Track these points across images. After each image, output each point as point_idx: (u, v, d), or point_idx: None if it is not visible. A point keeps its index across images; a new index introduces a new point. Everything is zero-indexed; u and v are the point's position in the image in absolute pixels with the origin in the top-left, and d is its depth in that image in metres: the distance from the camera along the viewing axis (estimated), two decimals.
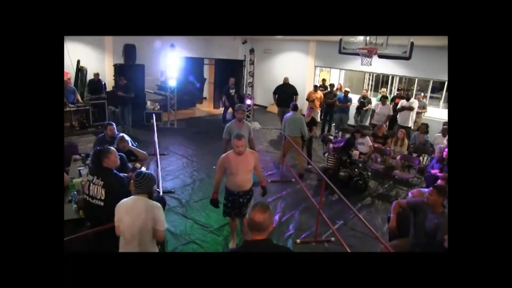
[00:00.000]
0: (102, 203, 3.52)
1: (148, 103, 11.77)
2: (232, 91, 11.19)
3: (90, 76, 9.97)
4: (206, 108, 13.54)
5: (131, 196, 3.02)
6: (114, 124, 5.48)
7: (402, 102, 9.12)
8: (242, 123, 5.62)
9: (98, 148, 3.85)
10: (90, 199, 3.56)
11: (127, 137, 5.06)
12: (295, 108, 7.64)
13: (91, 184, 3.55)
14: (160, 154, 6.23)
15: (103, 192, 3.52)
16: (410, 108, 8.92)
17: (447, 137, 7.45)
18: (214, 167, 7.42)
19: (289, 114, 7.41)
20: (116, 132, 5.37)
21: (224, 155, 4.17)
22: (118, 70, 10.25)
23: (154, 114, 9.64)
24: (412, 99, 9.19)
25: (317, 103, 10.56)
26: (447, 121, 9.61)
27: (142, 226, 2.87)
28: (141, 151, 5.09)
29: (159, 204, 3.00)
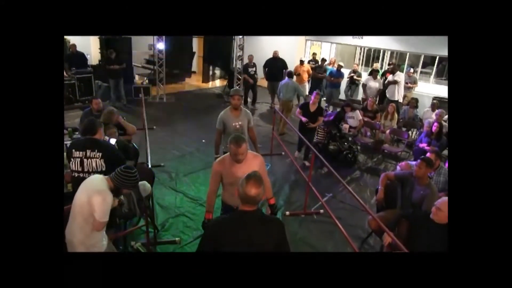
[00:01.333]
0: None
1: (136, 77, 11.58)
2: (252, 70, 10.24)
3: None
4: (195, 82, 13.37)
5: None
6: (99, 98, 5.39)
7: (389, 77, 9.11)
8: (239, 111, 4.66)
9: (93, 118, 3.75)
10: (86, 175, 3.38)
11: (115, 110, 4.99)
12: (290, 75, 8.67)
13: (86, 159, 3.41)
14: (148, 128, 6.16)
15: (103, 163, 3.45)
16: (395, 82, 8.92)
17: (436, 111, 7.49)
18: (203, 140, 7.47)
19: (284, 81, 8.58)
20: (102, 106, 5.28)
21: (219, 159, 3.20)
22: (104, 43, 10.00)
23: (142, 88, 9.53)
24: (398, 73, 9.17)
25: (304, 76, 10.42)
26: (436, 96, 9.67)
27: (80, 209, 2.72)
28: (130, 125, 5.03)
29: (107, 191, 2.80)
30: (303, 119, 6.40)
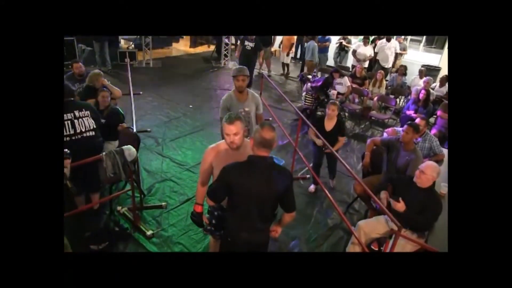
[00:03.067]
0: (93, 133, 3.54)
1: (122, 41, 11.27)
2: (250, 44, 8.24)
3: None
4: (182, 47, 13.07)
5: None
6: (80, 62, 5.24)
7: (381, 42, 8.98)
8: (245, 95, 3.88)
9: (66, 83, 3.73)
10: (78, 136, 3.43)
11: (102, 73, 4.88)
12: (313, 37, 9.51)
13: (76, 120, 3.42)
14: (134, 94, 6.03)
15: (93, 121, 3.53)
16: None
17: (423, 79, 7.49)
18: (190, 106, 7.39)
19: (308, 43, 9.56)
20: (84, 70, 5.14)
21: (212, 146, 2.65)
22: None
23: (128, 53, 9.28)
24: (392, 40, 9.06)
25: (287, 43, 10.19)
26: (426, 64, 9.64)
27: None
28: (116, 88, 4.94)
29: None
30: (317, 141, 4.62)
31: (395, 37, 9.73)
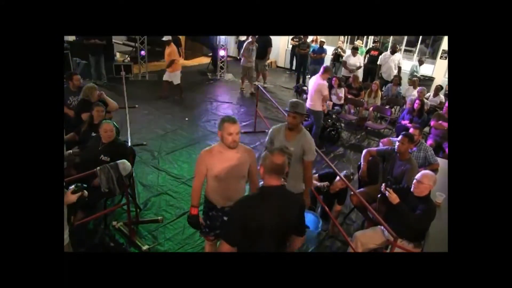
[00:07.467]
0: None
1: (117, 54, 11.30)
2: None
3: None
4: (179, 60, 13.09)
5: None
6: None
7: (385, 54, 8.96)
8: (295, 134, 3.29)
9: None
10: None
11: (96, 86, 4.90)
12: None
13: None
14: (130, 107, 6.04)
15: None
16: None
17: (417, 89, 7.55)
18: (186, 119, 7.39)
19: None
20: (81, 83, 5.17)
21: (206, 149, 2.76)
22: None
23: (123, 66, 9.30)
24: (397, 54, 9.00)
25: (167, 59, 8.94)
26: (420, 74, 9.72)
27: None
28: (112, 100, 4.95)
29: None
30: (319, 184, 4.40)
31: (402, 50, 9.75)
